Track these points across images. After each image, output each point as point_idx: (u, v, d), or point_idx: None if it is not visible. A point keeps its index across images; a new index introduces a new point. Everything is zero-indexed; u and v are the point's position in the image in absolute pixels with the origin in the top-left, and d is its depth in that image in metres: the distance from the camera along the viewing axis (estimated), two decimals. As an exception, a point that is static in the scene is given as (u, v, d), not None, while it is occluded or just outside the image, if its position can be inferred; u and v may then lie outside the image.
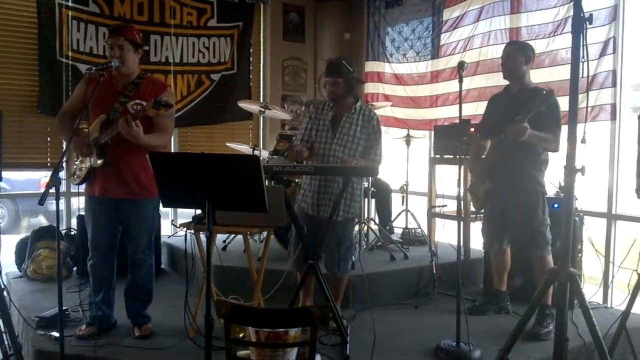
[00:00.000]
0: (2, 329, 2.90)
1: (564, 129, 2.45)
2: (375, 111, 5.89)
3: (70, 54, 5.25)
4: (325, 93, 3.60)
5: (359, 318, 3.80)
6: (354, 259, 4.20)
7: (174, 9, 5.81)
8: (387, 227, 5.40)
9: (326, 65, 3.55)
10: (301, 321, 2.11)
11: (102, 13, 5.42)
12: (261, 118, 5.65)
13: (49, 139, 5.28)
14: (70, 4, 5.23)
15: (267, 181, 4.41)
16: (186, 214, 4.48)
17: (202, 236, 3.41)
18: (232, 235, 4.89)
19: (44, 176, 7.71)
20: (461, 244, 3.31)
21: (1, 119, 3.60)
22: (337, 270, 3.51)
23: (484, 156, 3.80)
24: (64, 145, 3.54)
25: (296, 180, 4.51)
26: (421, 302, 4.23)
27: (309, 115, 3.64)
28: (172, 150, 5.75)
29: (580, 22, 2.29)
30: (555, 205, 3.89)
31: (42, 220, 8.37)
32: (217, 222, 3.06)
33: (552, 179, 3.83)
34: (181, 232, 3.80)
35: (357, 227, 4.93)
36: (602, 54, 4.20)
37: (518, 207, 3.61)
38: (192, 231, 3.36)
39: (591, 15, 2.30)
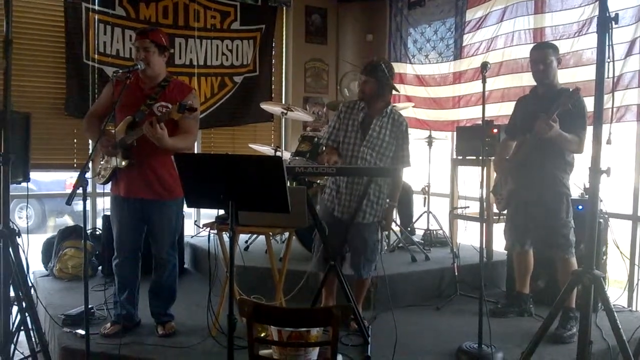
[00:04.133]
0: (30, 326, 2.97)
1: (589, 129, 2.43)
2: (397, 112, 5.91)
3: (96, 57, 5.35)
4: (347, 94, 3.61)
5: (380, 319, 3.79)
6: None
7: (198, 12, 5.88)
8: (409, 229, 5.39)
9: (365, 63, 3.57)
10: (323, 321, 2.12)
11: (128, 16, 5.51)
12: (283, 119, 5.68)
13: (75, 140, 5.38)
14: (97, 7, 5.33)
15: (289, 182, 4.44)
16: (209, 215, 4.54)
17: (225, 236, 3.45)
18: (255, 236, 4.92)
19: (69, 177, 7.86)
20: (483, 245, 3.29)
21: (29, 121, 3.70)
22: (362, 272, 3.52)
23: (508, 156, 3.77)
24: (91, 147, 3.61)
25: (318, 181, 4.53)
26: (443, 303, 4.21)
27: (338, 114, 3.63)
28: (196, 152, 5.82)
29: (605, 22, 2.26)
30: (580, 207, 3.84)
31: (67, 220, 8.52)
32: (240, 222, 3.10)
33: (576, 181, 3.79)
34: (204, 232, 3.84)
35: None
36: (629, 54, 4.14)
37: (541, 208, 3.57)
38: (215, 231, 3.39)
39: (617, 14, 2.28)
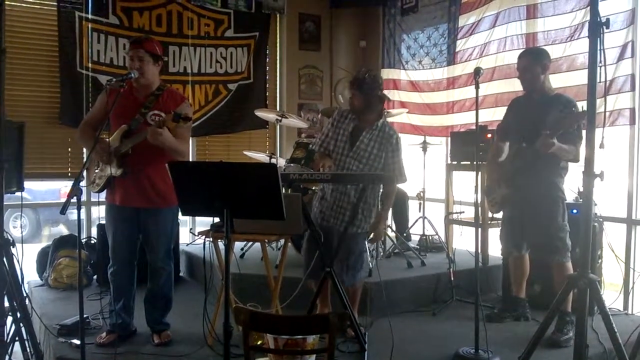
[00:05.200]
0: (25, 337, 2.94)
1: (582, 134, 2.44)
2: (392, 118, 5.92)
3: (90, 65, 5.34)
4: (341, 101, 3.62)
5: (376, 325, 3.79)
6: (370, 267, 4.21)
7: (192, 20, 5.89)
8: (404, 234, 5.38)
9: (353, 77, 3.58)
10: (319, 328, 2.11)
11: (122, 25, 5.51)
12: (278, 126, 5.68)
13: (70, 149, 5.37)
14: (90, 16, 5.33)
15: (284, 189, 4.43)
16: (204, 222, 4.52)
17: (221, 244, 3.44)
18: (250, 243, 4.91)
19: (64, 186, 7.83)
20: (479, 250, 3.30)
21: (23, 130, 3.69)
22: (345, 279, 3.48)
23: (501, 159, 3.78)
24: (85, 155, 3.60)
25: (313, 188, 4.53)
26: (439, 309, 4.20)
27: (332, 121, 3.63)
28: (190, 159, 5.82)
29: (597, 27, 2.28)
30: (575, 211, 3.85)
31: (62, 230, 8.47)
32: (235, 230, 3.10)
33: (571, 185, 3.80)
34: (199, 240, 3.83)
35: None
36: (620, 58, 4.17)
37: (537, 213, 3.58)
38: (211, 239, 3.39)
39: (608, 19, 2.29)
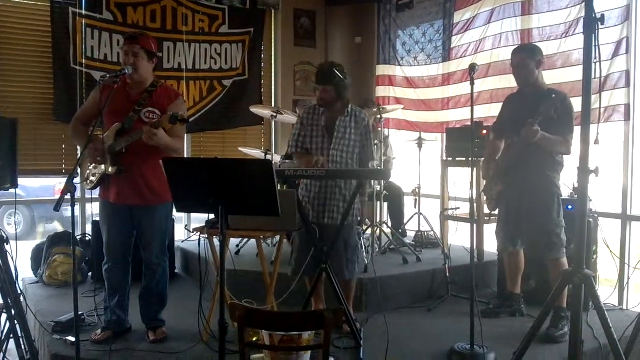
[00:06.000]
0: (20, 334, 2.93)
1: (577, 130, 2.44)
2: (387, 114, 5.92)
3: (84, 61, 5.32)
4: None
5: (372, 321, 3.79)
6: (366, 262, 4.21)
7: (186, 16, 5.87)
8: (400, 230, 5.39)
9: (316, 72, 3.57)
10: (314, 324, 2.11)
11: (116, 21, 5.49)
12: (273, 123, 5.67)
13: (64, 145, 5.34)
14: (84, 12, 5.30)
15: (279, 185, 4.42)
16: (200, 219, 4.51)
17: (216, 240, 3.43)
18: (245, 240, 4.91)
19: (58, 183, 7.79)
20: (474, 246, 3.30)
21: (17, 127, 3.66)
22: (345, 273, 3.52)
23: (498, 157, 3.79)
24: (79, 152, 3.58)
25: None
26: (434, 305, 4.21)
27: (300, 120, 3.64)
28: (185, 156, 5.80)
29: (592, 23, 2.28)
30: (570, 207, 3.86)
31: (57, 227, 8.44)
32: (230, 226, 3.08)
33: (566, 181, 3.81)
34: (195, 236, 3.82)
35: (369, 231, 4.95)
36: (615, 54, 4.17)
37: (533, 209, 3.59)
38: (206, 236, 3.38)
39: (603, 15, 2.29)
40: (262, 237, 3.57)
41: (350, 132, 3.51)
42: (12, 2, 5.10)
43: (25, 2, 5.17)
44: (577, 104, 2.89)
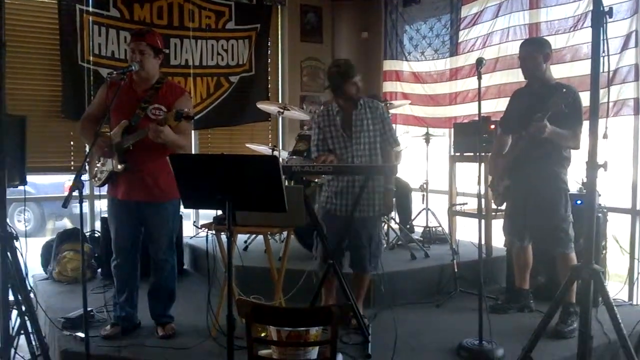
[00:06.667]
0: (30, 330, 2.96)
1: (586, 124, 2.43)
2: (394, 110, 5.91)
3: (91, 58, 5.33)
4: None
5: (380, 317, 3.79)
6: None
7: (193, 13, 5.87)
8: (408, 226, 5.38)
9: (338, 70, 3.50)
10: (322, 320, 2.12)
11: (123, 17, 5.49)
12: (280, 119, 5.67)
13: (72, 142, 5.37)
14: (90, 9, 5.31)
15: (286, 181, 4.43)
16: (208, 215, 4.53)
17: (224, 237, 3.44)
18: (253, 236, 4.92)
19: (67, 179, 7.83)
20: (482, 241, 3.29)
21: (25, 124, 3.68)
22: (368, 267, 3.53)
23: (505, 152, 3.77)
24: (87, 149, 3.60)
25: (315, 180, 4.52)
26: (443, 300, 4.20)
27: (316, 124, 3.64)
28: (193, 152, 5.81)
29: (600, 16, 2.26)
30: (579, 202, 3.84)
31: (67, 223, 8.49)
32: (238, 222, 3.10)
33: (575, 176, 3.79)
34: (203, 232, 3.83)
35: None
36: (624, 47, 4.14)
37: (540, 204, 3.57)
38: (213, 232, 3.39)
39: (611, 8, 2.28)
40: (269, 233, 3.57)
41: (368, 123, 3.51)
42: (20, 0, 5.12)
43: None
44: (586, 98, 2.87)
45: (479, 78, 3.16)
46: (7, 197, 2.95)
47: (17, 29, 5.07)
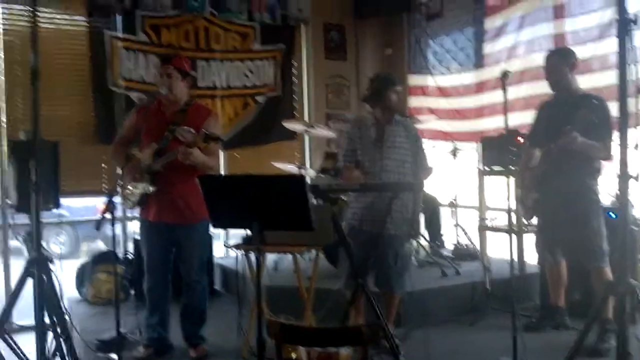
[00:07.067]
0: (65, 352, 3.00)
1: (616, 134, 2.38)
2: (420, 125, 5.88)
3: (122, 82, 5.45)
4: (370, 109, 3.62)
5: (411, 337, 3.74)
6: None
7: (219, 35, 5.96)
8: (437, 243, 5.31)
9: (380, 79, 3.59)
10: (352, 340, 2.10)
11: (151, 41, 5.61)
12: (306, 137, 5.69)
13: (104, 165, 5.47)
14: (120, 34, 5.45)
15: (314, 199, 4.44)
16: (238, 235, 4.56)
17: (253, 256, 3.45)
18: (283, 255, 4.92)
19: (101, 202, 7.96)
20: (514, 257, 3.23)
21: (58, 149, 3.79)
22: (395, 287, 3.49)
23: (533, 165, 3.71)
24: (119, 171, 3.67)
25: (343, 198, 4.52)
26: (475, 319, 4.12)
27: (348, 136, 3.66)
28: (222, 172, 5.87)
29: (625, 24, 2.23)
30: (612, 214, 3.74)
31: (100, 245, 8.64)
32: (266, 241, 3.10)
33: (608, 188, 3.70)
34: (233, 253, 3.86)
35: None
36: (653, 55, 4.05)
37: (571, 217, 3.49)
38: (242, 252, 3.41)
39: (637, 16, 2.24)
40: (297, 252, 3.57)
41: (401, 140, 3.53)
42: (52, 28, 5.27)
43: (63, 27, 5.33)
44: (614, 108, 2.81)
45: (505, 90, 3.14)
46: (42, 220, 3.01)
47: (50, 56, 5.20)
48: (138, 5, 5.48)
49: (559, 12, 4.79)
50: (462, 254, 5.24)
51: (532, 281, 4.55)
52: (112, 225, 2.80)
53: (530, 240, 4.18)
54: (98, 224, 2.74)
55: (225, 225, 3.57)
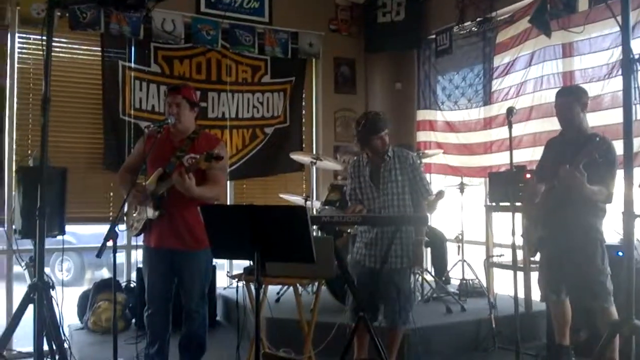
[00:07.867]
0: (62, 380, 2.97)
1: (621, 173, 2.37)
2: (428, 159, 5.88)
3: (132, 112, 5.52)
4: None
5: (414, 373, 3.67)
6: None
7: (230, 67, 6.06)
8: (443, 278, 5.26)
9: (368, 123, 3.56)
10: (349, 375, 2.06)
11: (163, 73, 5.71)
12: (313, 169, 5.71)
13: (111, 193, 5.50)
14: (133, 65, 5.55)
15: (318, 232, 4.42)
16: (241, 265, 4.53)
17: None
18: (285, 287, 4.88)
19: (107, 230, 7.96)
20: (519, 295, 3.18)
21: (66, 176, 3.82)
22: (398, 321, 3.45)
23: (537, 200, 3.68)
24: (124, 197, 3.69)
25: (348, 231, 4.50)
26: (480, 357, 4.04)
27: (349, 175, 3.69)
28: (228, 202, 5.89)
29: (630, 64, 2.24)
30: (620, 253, 3.69)
31: (105, 273, 8.62)
32: (268, 272, 3.08)
33: (614, 226, 3.66)
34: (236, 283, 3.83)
35: (411, 278, 4.85)
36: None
37: (575, 256, 3.44)
38: (244, 282, 3.38)
39: (642, 56, 2.25)
40: (299, 285, 3.54)
41: (396, 173, 3.52)
42: (67, 57, 5.39)
43: (78, 57, 5.45)
44: (620, 146, 2.80)
45: (510, 127, 3.15)
46: (47, 246, 3.02)
47: (62, 83, 5.30)
48: (152, 37, 5.59)
49: (567, 50, 4.82)
50: (468, 290, 5.17)
51: (538, 319, 4.46)
52: (114, 253, 2.79)
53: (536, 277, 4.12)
54: (99, 252, 2.74)
55: (226, 255, 3.57)
